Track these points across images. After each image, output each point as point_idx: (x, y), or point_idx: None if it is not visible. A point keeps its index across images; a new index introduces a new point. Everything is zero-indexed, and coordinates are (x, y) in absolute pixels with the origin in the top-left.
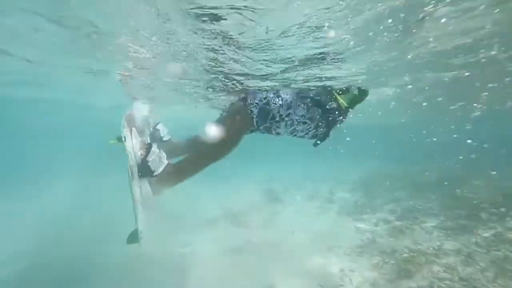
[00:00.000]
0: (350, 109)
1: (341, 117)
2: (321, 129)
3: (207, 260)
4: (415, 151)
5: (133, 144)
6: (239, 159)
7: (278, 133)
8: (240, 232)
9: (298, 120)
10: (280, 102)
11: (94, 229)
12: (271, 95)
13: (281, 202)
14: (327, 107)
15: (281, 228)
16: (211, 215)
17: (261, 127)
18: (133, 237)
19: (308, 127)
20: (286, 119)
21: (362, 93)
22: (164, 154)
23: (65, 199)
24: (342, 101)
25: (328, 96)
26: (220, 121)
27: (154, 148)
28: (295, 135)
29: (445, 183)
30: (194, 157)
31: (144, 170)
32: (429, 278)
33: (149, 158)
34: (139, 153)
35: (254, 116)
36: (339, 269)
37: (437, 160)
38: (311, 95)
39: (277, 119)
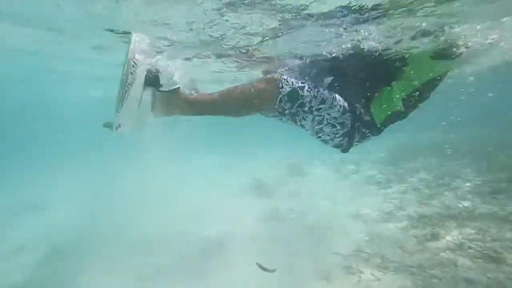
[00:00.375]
0: (381, 129)
1: (369, 134)
2: (345, 140)
3: (242, 229)
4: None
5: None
6: (263, 133)
7: (302, 126)
8: (268, 202)
9: (328, 121)
10: (315, 94)
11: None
12: (308, 83)
13: (305, 175)
14: (361, 115)
15: (306, 199)
16: (239, 188)
17: (286, 111)
18: (109, 125)
19: (336, 132)
20: (316, 113)
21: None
22: (177, 78)
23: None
24: (379, 114)
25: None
26: (248, 83)
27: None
28: (319, 136)
29: (488, 149)
30: (207, 99)
31: (152, 79)
32: (460, 239)
33: (161, 70)
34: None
35: (282, 91)
36: (365, 233)
37: (476, 127)
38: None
39: (306, 109)
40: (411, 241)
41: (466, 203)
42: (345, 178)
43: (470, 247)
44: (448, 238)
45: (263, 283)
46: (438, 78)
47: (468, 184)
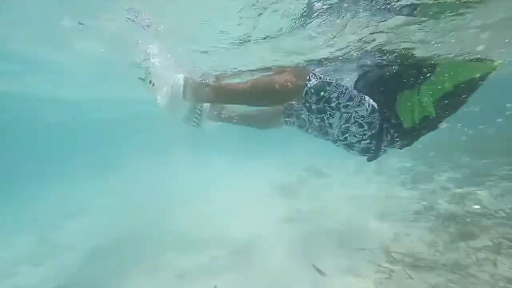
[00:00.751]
0: (413, 135)
1: (398, 139)
2: (373, 144)
3: (265, 229)
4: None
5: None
6: (281, 137)
7: (330, 124)
8: (291, 203)
9: (356, 119)
10: (343, 90)
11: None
12: (336, 78)
13: (325, 176)
14: (389, 117)
15: (328, 199)
16: (263, 190)
17: (313, 106)
18: (143, 78)
19: (363, 132)
20: (343, 110)
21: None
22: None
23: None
24: (406, 117)
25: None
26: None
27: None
28: (345, 138)
29: None
30: (232, 86)
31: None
32: (497, 238)
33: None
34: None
35: (309, 84)
36: (392, 233)
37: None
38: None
39: (333, 105)
40: (443, 240)
41: (503, 202)
42: (368, 179)
43: (510, 247)
44: (485, 237)
45: (294, 281)
46: (478, 79)
47: (505, 182)
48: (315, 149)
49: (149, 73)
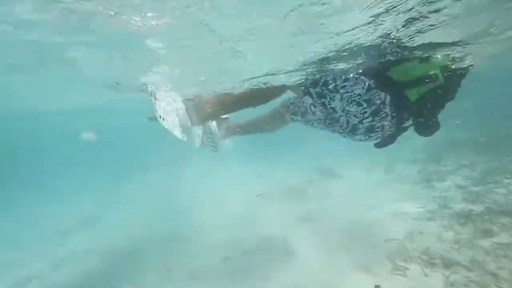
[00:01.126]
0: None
1: (403, 115)
2: (388, 125)
3: (278, 230)
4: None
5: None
6: (291, 137)
7: (333, 109)
8: (300, 204)
9: (353, 98)
10: (337, 72)
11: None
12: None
13: (336, 176)
14: (399, 90)
15: (339, 199)
16: (269, 190)
17: (312, 92)
18: (153, 118)
19: (363, 111)
20: (342, 91)
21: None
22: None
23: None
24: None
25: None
26: None
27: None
28: (348, 121)
29: None
30: (232, 95)
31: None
32: None
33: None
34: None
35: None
36: (405, 232)
37: None
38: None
39: (331, 87)
40: (459, 237)
41: None
42: (380, 178)
43: None
44: (504, 234)
45: (313, 279)
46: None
47: None
48: (326, 148)
49: (156, 110)
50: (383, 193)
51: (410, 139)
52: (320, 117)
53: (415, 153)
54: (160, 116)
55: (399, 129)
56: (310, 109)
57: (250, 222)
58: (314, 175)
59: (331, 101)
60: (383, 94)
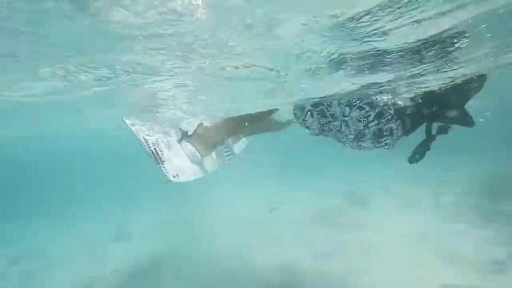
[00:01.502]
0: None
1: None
2: (395, 128)
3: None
4: None
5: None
6: (318, 161)
7: (332, 115)
8: (329, 234)
9: (353, 104)
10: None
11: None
12: None
13: (368, 206)
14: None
15: (374, 235)
16: (299, 216)
17: (309, 107)
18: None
19: (367, 114)
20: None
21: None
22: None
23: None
24: None
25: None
26: None
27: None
28: (354, 129)
29: None
30: (234, 117)
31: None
32: None
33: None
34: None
35: None
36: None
37: None
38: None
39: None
40: None
41: None
42: (419, 210)
43: None
44: None
45: None
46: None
47: None
48: (356, 173)
49: (165, 171)
50: (427, 231)
51: (459, 171)
52: (330, 128)
53: (465, 186)
54: (174, 176)
55: (409, 132)
56: (318, 123)
57: (284, 246)
58: (344, 201)
59: (329, 107)
60: (385, 97)
